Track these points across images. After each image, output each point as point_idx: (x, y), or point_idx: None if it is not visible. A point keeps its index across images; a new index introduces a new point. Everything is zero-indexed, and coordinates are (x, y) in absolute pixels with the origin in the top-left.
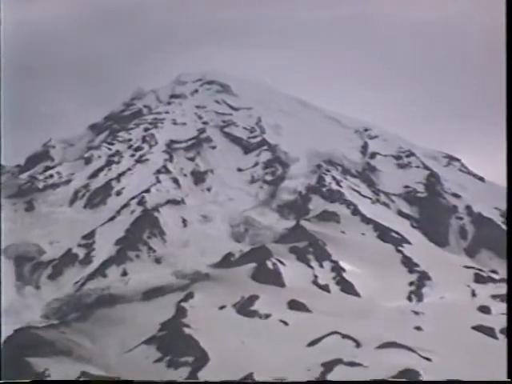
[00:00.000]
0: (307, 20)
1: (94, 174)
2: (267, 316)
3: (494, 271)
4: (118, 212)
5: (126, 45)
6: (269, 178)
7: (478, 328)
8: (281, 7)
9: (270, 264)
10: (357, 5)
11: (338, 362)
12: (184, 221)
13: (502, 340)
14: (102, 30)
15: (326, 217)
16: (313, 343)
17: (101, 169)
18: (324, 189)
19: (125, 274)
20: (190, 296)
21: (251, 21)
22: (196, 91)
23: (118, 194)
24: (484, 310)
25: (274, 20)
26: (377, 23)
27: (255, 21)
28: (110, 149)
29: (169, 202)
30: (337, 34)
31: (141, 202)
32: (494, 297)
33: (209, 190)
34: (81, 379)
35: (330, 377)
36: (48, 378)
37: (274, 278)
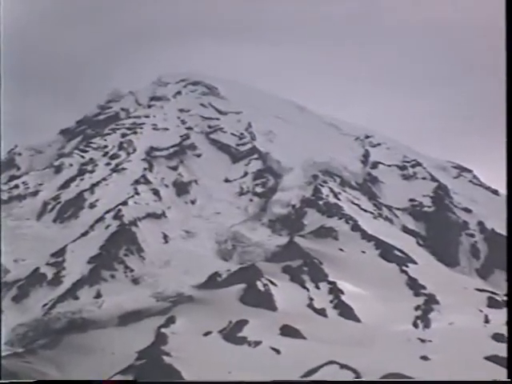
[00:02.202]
0: (305, 18)
1: (65, 185)
2: (257, 343)
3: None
4: (92, 227)
5: (101, 43)
6: (259, 189)
7: (492, 358)
8: (276, 3)
9: (260, 285)
10: (360, 3)
11: None
12: (165, 237)
13: None
14: (74, 28)
15: (323, 233)
16: (308, 374)
17: (72, 179)
18: (321, 202)
19: (98, 295)
20: (171, 321)
21: (242, 17)
22: (179, 93)
23: (92, 206)
24: (498, 337)
25: (268, 17)
26: (379, 23)
27: (247, 17)
28: (82, 156)
29: (148, 215)
30: (336, 33)
31: (117, 216)
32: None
33: (193, 202)
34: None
35: None
36: None
37: (265, 301)
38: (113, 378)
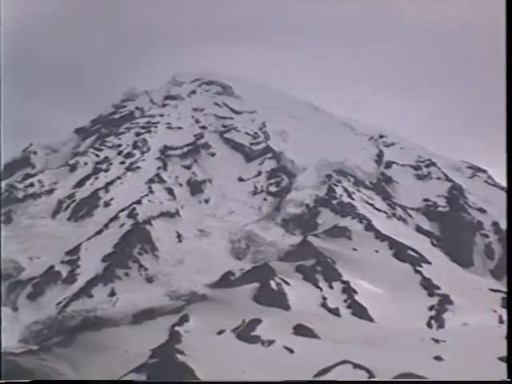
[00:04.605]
0: (319, 18)
1: (80, 183)
2: (270, 342)
3: None
4: (106, 225)
5: (116, 42)
6: (273, 188)
7: (506, 359)
8: (291, 4)
9: (273, 284)
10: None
11: None
12: (179, 235)
13: None
14: (89, 28)
15: (336, 232)
16: (321, 373)
17: (87, 177)
18: (334, 201)
19: (113, 294)
20: (184, 319)
21: (256, 17)
22: (193, 92)
23: (106, 205)
24: None
25: (282, 17)
26: (389, 23)
27: (261, 17)
28: (97, 155)
29: (162, 214)
30: (350, 34)
31: (131, 215)
32: None
33: (207, 201)
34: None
35: None
36: None
37: (279, 300)
38: (126, 376)
